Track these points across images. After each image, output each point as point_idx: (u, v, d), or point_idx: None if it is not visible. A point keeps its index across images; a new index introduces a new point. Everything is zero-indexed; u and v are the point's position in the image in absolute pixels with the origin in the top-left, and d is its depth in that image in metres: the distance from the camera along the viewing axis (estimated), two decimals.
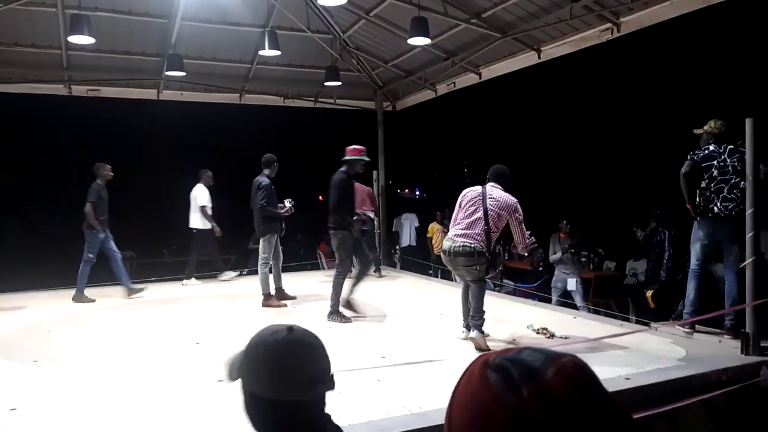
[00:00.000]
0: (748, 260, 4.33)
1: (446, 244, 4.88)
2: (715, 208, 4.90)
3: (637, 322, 6.50)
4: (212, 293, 7.89)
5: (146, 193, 17.66)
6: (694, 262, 5.09)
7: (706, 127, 5.11)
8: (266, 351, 1.22)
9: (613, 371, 3.81)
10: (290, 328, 1.26)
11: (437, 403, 3.22)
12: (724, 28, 12.09)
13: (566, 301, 8.03)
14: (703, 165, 4.97)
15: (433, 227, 11.84)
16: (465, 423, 0.67)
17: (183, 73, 8.21)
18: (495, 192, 4.83)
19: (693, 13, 5.96)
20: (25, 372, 4.28)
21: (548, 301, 8.00)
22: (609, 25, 6.66)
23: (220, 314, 6.37)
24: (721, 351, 4.47)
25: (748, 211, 4.34)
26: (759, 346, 4.22)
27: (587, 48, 7.19)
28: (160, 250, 15.25)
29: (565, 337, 4.99)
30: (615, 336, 4.82)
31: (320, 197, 13.09)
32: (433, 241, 11.60)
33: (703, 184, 4.98)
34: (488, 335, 4.80)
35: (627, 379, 3.67)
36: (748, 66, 12.79)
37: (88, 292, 7.26)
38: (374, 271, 9.11)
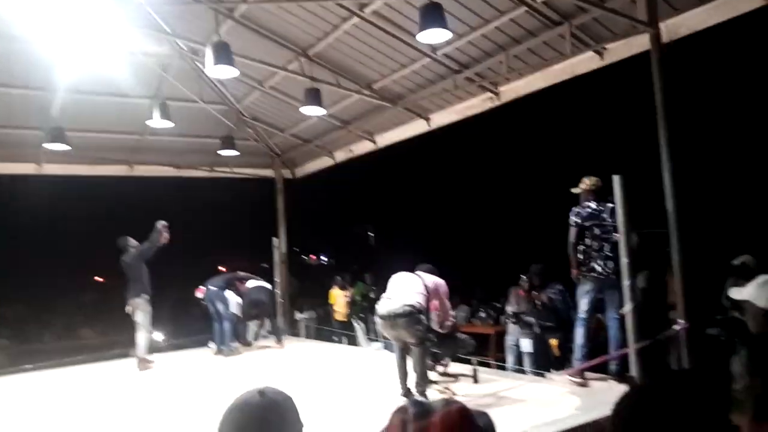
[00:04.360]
0: (628, 307, 4.63)
1: (384, 307, 4.73)
2: (598, 267, 5.16)
3: (534, 373, 6.64)
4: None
5: (25, 276, 16.26)
6: (582, 311, 5.31)
7: (582, 186, 5.42)
8: (239, 418, 1.25)
9: (512, 424, 3.87)
10: (261, 392, 1.28)
11: None
12: (594, 93, 13.47)
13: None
14: (586, 224, 5.25)
15: (333, 293, 11.60)
16: None
17: (66, 147, 7.78)
18: (424, 274, 5.17)
19: (563, 83, 6.51)
20: None
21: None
22: (490, 94, 7.16)
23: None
24: (611, 396, 4.65)
25: (624, 260, 4.67)
26: None
27: (473, 116, 7.66)
28: (39, 334, 13.90)
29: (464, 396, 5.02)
30: (513, 389, 4.94)
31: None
32: (335, 307, 11.42)
33: (587, 243, 5.23)
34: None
35: None
36: (616, 127, 14.60)
37: None
38: (276, 342, 8.81)
